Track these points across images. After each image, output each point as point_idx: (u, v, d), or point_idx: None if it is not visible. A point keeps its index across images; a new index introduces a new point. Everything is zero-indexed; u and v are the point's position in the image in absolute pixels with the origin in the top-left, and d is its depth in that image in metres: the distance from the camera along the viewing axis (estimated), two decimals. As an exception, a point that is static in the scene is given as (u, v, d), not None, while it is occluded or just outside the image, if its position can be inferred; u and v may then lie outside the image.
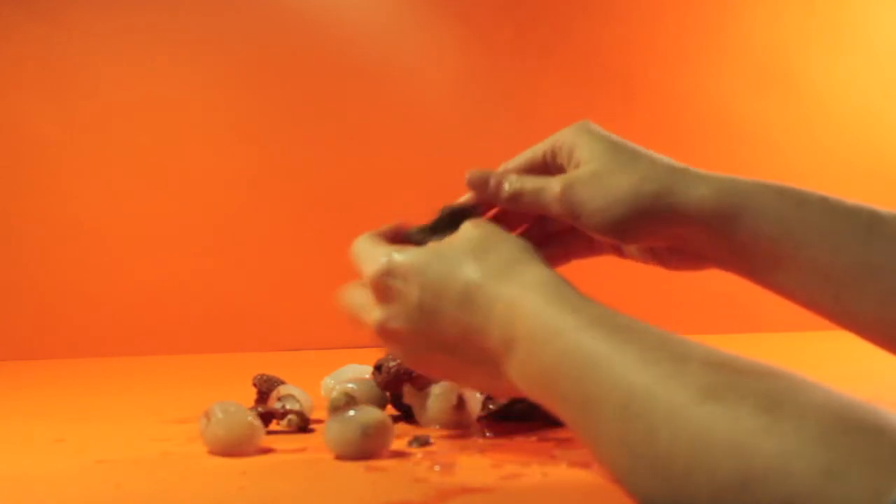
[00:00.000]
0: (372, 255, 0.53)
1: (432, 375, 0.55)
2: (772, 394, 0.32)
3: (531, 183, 0.54)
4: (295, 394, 0.78)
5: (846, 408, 0.31)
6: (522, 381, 0.47)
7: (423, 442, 0.66)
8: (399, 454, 0.63)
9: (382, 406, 0.76)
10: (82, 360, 1.61)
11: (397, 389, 0.75)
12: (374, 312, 0.53)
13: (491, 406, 0.75)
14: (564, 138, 0.55)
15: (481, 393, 0.53)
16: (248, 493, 0.54)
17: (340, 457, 0.62)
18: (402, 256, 0.52)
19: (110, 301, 1.75)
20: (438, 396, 0.72)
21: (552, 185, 0.53)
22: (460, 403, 0.72)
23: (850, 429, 0.29)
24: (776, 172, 2.07)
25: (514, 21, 1.85)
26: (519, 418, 0.75)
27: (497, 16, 1.85)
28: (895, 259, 0.44)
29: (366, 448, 0.61)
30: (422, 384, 0.73)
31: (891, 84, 1.87)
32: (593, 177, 0.51)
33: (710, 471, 0.32)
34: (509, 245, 0.49)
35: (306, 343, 1.66)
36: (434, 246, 0.52)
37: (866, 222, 0.45)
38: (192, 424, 0.72)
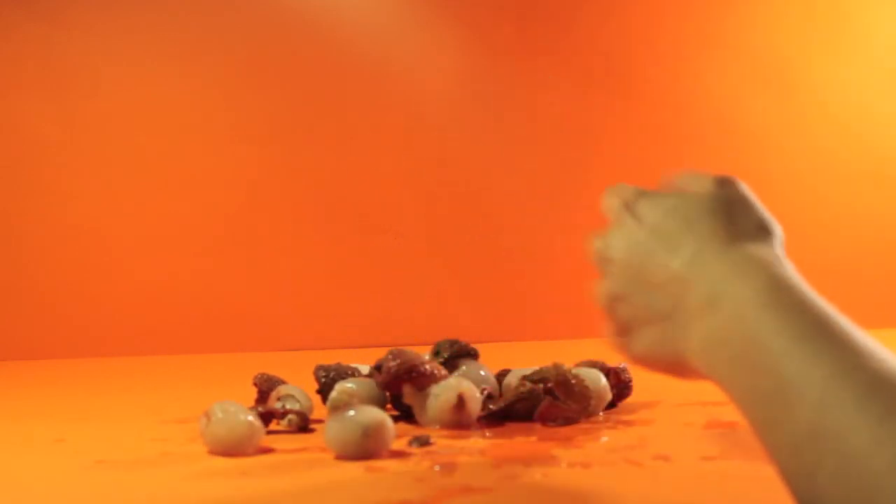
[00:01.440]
0: (621, 187, 0.55)
1: (615, 319, 0.53)
2: None
3: None
4: (295, 394, 0.78)
5: None
6: (706, 345, 0.46)
7: (423, 442, 0.66)
8: (399, 454, 0.63)
9: (382, 406, 0.76)
10: (82, 360, 1.61)
11: (397, 389, 0.75)
12: (601, 239, 0.54)
13: (491, 406, 0.75)
14: None
15: (641, 359, 0.52)
16: (248, 493, 0.54)
17: (340, 457, 0.62)
18: (648, 192, 0.53)
19: (110, 301, 1.75)
20: (438, 396, 0.72)
21: None
22: (460, 403, 0.72)
23: None
24: (776, 172, 2.07)
25: (514, 21, 1.85)
26: (519, 418, 0.75)
27: (497, 15, 1.85)
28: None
29: (366, 448, 0.61)
30: (422, 384, 0.73)
31: (891, 84, 1.87)
32: None
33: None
34: (754, 217, 0.49)
35: (306, 343, 1.66)
36: (682, 193, 0.52)
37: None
38: (192, 424, 0.72)
